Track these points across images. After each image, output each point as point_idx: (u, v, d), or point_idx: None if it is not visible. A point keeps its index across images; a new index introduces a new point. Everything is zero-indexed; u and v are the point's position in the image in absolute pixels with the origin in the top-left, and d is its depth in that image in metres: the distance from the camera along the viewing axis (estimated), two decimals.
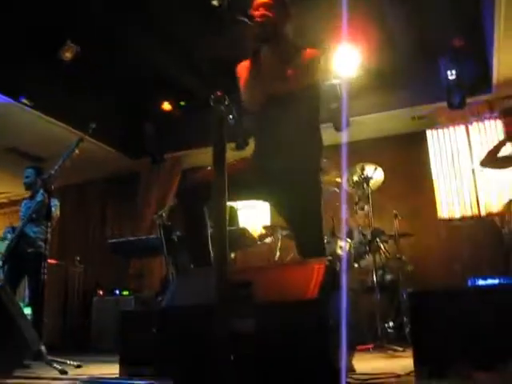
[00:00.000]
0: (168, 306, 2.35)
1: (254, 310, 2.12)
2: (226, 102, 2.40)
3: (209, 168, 2.82)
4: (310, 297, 2.03)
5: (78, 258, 8.30)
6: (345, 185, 6.02)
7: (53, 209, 5.37)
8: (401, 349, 4.66)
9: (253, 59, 2.99)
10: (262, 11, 2.96)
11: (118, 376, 2.88)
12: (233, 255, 5.93)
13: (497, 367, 2.12)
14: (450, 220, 7.18)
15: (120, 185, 9.21)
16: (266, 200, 3.49)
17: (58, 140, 7.26)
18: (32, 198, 5.77)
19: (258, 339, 2.09)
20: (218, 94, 2.37)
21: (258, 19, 2.91)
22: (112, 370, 3.11)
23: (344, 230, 5.90)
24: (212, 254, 2.88)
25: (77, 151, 4.44)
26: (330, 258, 2.40)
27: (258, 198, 3.66)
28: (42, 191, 5.42)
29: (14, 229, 5.61)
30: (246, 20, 2.88)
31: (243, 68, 3.16)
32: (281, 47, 3.06)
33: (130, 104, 8.03)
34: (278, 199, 3.18)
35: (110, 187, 9.36)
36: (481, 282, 6.03)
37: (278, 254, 6.12)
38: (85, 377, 3.03)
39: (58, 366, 3.58)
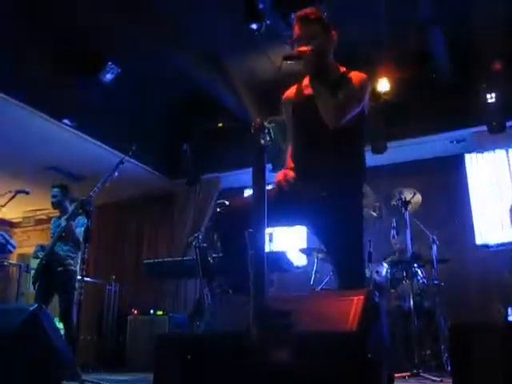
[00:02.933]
0: (205, 333, 2.34)
1: (293, 340, 2.10)
2: (266, 130, 2.41)
3: (246, 196, 2.81)
4: (350, 329, 2.00)
5: (114, 277, 8.38)
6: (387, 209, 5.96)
7: (77, 229, 5.46)
8: (438, 379, 4.57)
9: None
10: (302, 47, 2.87)
11: None
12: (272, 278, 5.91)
13: None
14: (488, 246, 7.05)
15: (157, 205, 9.30)
16: (305, 225, 3.41)
17: (99, 159, 7.40)
18: (61, 216, 5.84)
19: (295, 370, 2.07)
20: (258, 121, 2.38)
21: (304, 54, 2.83)
22: None
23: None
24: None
25: (116, 173, 4.50)
26: (369, 288, 2.37)
27: (297, 224, 3.61)
28: (70, 211, 5.52)
29: (43, 247, 5.69)
30: (293, 61, 2.85)
31: (291, 94, 3.16)
32: (328, 72, 2.98)
33: (170, 124, 8.14)
34: (319, 226, 3.13)
35: (147, 207, 9.44)
36: None
37: (313, 277, 6.08)
38: None
39: None
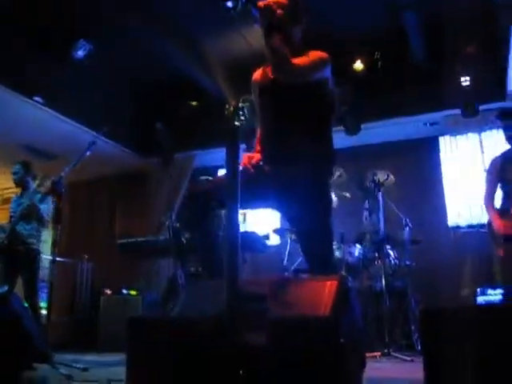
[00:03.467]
0: (178, 316, 2.34)
1: (267, 324, 2.10)
2: (241, 111, 2.39)
3: (219, 175, 2.80)
4: (322, 314, 2.01)
5: (86, 256, 8.32)
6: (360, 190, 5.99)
7: (42, 206, 5.39)
8: (409, 359, 4.65)
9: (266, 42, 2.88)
10: (268, 2, 2.84)
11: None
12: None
13: None
14: (459, 228, 7.15)
15: (130, 183, 9.22)
16: (274, 208, 3.38)
17: (71, 138, 7.29)
18: (22, 194, 5.74)
19: (268, 354, 2.07)
20: (233, 102, 2.36)
21: (261, 8, 2.78)
22: (119, 374, 3.09)
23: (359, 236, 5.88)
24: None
25: (88, 153, 4.44)
26: (342, 273, 2.38)
27: (263, 207, 3.59)
28: (32, 189, 5.44)
29: (2, 227, 5.60)
30: (254, 12, 2.79)
31: (258, 76, 3.14)
32: (288, 46, 2.90)
33: (143, 103, 8.05)
34: (288, 209, 3.12)
35: (121, 185, 9.36)
36: (490, 292, 5.99)
37: (286, 258, 6.10)
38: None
39: (63, 371, 3.56)
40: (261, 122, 3.15)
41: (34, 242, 5.52)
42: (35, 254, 5.51)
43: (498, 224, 4.62)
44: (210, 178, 3.67)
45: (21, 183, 5.75)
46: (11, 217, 5.68)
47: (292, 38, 3.01)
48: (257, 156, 3.05)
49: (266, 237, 6.12)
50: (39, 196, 5.47)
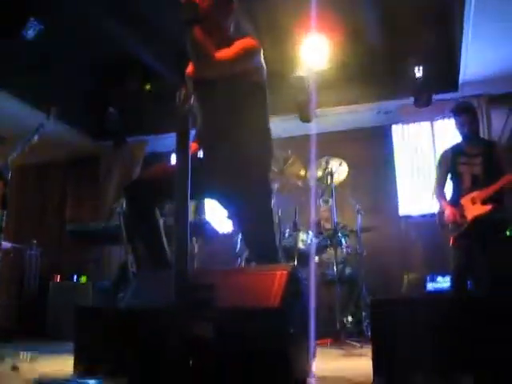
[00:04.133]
0: (125, 308, 2.29)
1: (215, 315, 2.08)
2: (192, 99, 2.35)
3: (161, 164, 2.75)
4: (272, 305, 2.00)
5: (35, 241, 8.13)
6: (313, 178, 5.99)
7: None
8: (359, 345, 4.72)
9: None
10: None
11: (72, 373, 2.80)
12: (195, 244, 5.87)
13: (455, 377, 2.14)
14: (411, 217, 7.26)
15: (81, 167, 9.04)
16: (214, 199, 3.31)
17: (20, 119, 7.10)
18: None
19: (217, 344, 2.05)
20: (184, 90, 2.31)
21: (183, 3, 2.72)
22: (67, 364, 3.03)
23: (313, 223, 5.89)
24: (169, 252, 2.80)
25: (36, 137, 4.31)
26: (292, 264, 2.37)
27: (206, 197, 3.54)
28: None
29: None
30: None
31: (190, 69, 3.05)
32: (215, 36, 2.89)
33: (95, 85, 7.88)
34: (225, 199, 3.09)
35: (71, 169, 9.17)
36: (439, 279, 6.14)
37: (238, 245, 6.07)
38: (37, 377, 2.94)
39: (9, 360, 3.48)
40: (197, 111, 3.07)
41: None
42: None
43: (448, 212, 4.76)
44: None
45: None
46: None
47: (221, 27, 2.99)
48: (193, 145, 2.99)
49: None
50: None
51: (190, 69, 3.08)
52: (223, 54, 2.79)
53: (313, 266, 5.60)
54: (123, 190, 3.01)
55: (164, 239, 2.86)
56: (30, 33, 6.33)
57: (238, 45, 2.86)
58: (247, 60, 2.88)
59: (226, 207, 3.17)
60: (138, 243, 5.27)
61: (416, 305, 2.36)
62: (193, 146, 2.97)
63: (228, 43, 2.89)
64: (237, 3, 3.05)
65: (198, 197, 3.43)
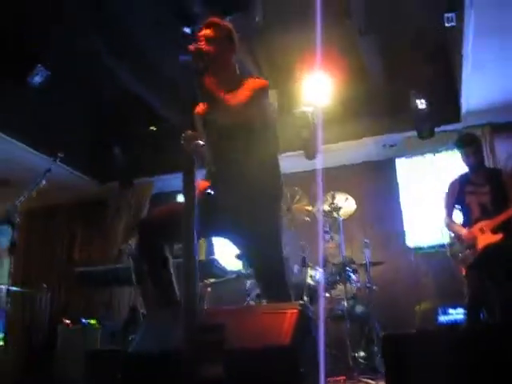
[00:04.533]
0: (134, 352, 2.27)
1: (225, 356, 2.06)
2: (196, 141, 2.37)
3: (170, 204, 2.77)
4: (282, 344, 1.98)
5: (45, 285, 8.11)
6: (320, 213, 5.99)
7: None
8: (373, 382, 4.65)
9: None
10: (198, 45, 2.85)
11: None
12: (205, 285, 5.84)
13: None
14: (420, 248, 7.23)
15: (89, 210, 9.05)
16: (227, 238, 3.31)
17: (26, 164, 7.15)
18: None
19: None
20: (189, 133, 2.34)
21: (192, 52, 2.77)
22: None
23: (321, 259, 5.86)
24: (178, 292, 2.80)
25: (44, 181, 4.35)
26: (302, 302, 2.36)
27: (220, 236, 3.54)
28: None
29: None
30: (188, 58, 2.78)
31: (200, 109, 3.12)
32: (225, 79, 2.95)
33: (100, 128, 7.96)
34: (237, 237, 3.10)
35: (79, 213, 9.18)
36: (451, 311, 6.07)
37: (248, 283, 6.05)
38: None
39: None
40: (208, 151, 3.10)
41: None
42: None
43: (464, 232, 4.74)
44: None
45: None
46: None
47: (226, 69, 3.05)
48: (203, 183, 3.03)
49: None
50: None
51: (199, 108, 3.13)
52: (235, 98, 2.84)
53: (322, 302, 5.57)
54: (136, 226, 3.05)
55: (174, 278, 2.86)
56: (37, 79, 6.44)
57: (248, 86, 2.92)
58: (259, 101, 2.94)
59: (237, 243, 3.18)
60: (147, 283, 5.27)
61: (429, 338, 2.34)
62: (203, 184, 3.01)
63: (237, 84, 2.95)
64: (238, 42, 3.12)
65: (209, 234, 3.48)
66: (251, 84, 2.94)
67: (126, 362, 2.28)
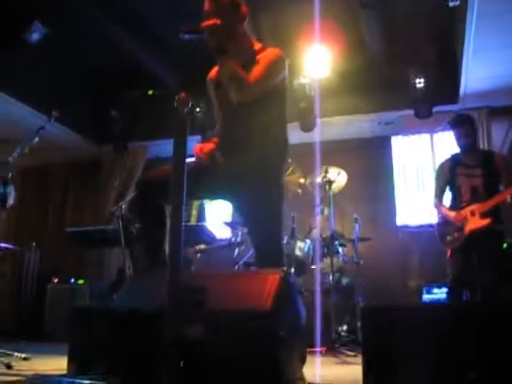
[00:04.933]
0: (119, 307, 2.31)
1: (205, 317, 2.10)
2: (190, 104, 2.37)
3: (164, 166, 2.80)
4: (263, 308, 2.02)
5: (35, 244, 8.15)
6: (316, 185, 6.02)
7: (7, 197, 5.24)
8: (352, 353, 4.73)
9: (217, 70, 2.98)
10: (209, 21, 2.84)
11: (65, 373, 2.82)
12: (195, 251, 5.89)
13: None
14: (408, 227, 7.28)
15: (82, 171, 9.06)
16: (226, 200, 3.41)
17: (22, 121, 7.13)
18: None
19: (207, 346, 2.07)
20: (183, 95, 2.34)
21: (206, 30, 2.80)
22: (60, 364, 3.05)
23: (317, 231, 5.91)
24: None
25: (37, 139, 4.35)
26: (285, 268, 2.39)
27: (218, 198, 3.61)
28: None
29: None
30: (198, 35, 2.82)
31: (213, 74, 3.16)
32: (238, 50, 2.96)
33: (97, 89, 7.92)
34: (237, 201, 3.15)
35: (72, 173, 9.19)
36: (435, 291, 6.14)
37: (236, 251, 6.10)
38: (29, 373, 2.97)
39: (3, 360, 3.50)
40: (217, 115, 3.18)
41: None
42: None
43: (453, 215, 4.75)
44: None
45: None
46: None
47: (238, 39, 3.03)
48: (208, 145, 3.06)
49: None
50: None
51: (212, 73, 3.16)
52: (255, 74, 2.85)
53: (319, 275, 5.63)
54: (136, 183, 3.09)
55: (166, 239, 2.89)
56: (35, 36, 6.38)
57: (265, 61, 2.91)
58: (278, 74, 2.96)
59: (238, 208, 3.23)
60: (136, 245, 5.32)
61: (408, 312, 2.38)
62: (206, 145, 3.07)
63: (251, 55, 2.97)
64: (246, 7, 3.06)
65: (210, 196, 3.54)
66: (267, 57, 2.93)
67: (108, 317, 2.32)
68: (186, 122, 2.29)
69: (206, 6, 2.96)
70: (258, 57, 2.95)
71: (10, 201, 5.36)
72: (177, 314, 2.07)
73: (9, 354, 3.79)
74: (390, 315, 2.32)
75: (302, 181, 6.09)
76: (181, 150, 2.26)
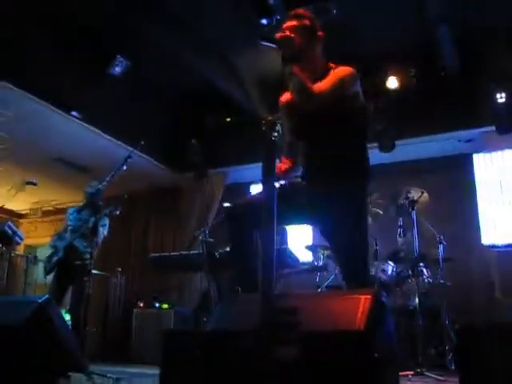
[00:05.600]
0: (214, 330, 2.35)
1: (299, 339, 2.11)
2: (277, 127, 2.41)
3: (257, 193, 2.84)
4: (357, 328, 2.01)
5: (120, 270, 8.40)
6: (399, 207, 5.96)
7: (101, 228, 5.50)
8: (442, 378, 4.59)
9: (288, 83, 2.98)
10: (284, 33, 2.92)
11: None
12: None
13: None
14: (495, 246, 7.04)
15: (164, 198, 9.30)
16: (311, 224, 3.43)
17: (105, 152, 7.42)
18: (82, 210, 5.83)
19: (302, 368, 2.08)
20: (269, 119, 2.38)
21: (280, 40, 2.85)
22: None
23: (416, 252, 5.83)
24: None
25: (125, 167, 4.52)
26: (376, 288, 2.37)
27: (304, 223, 3.62)
28: (98, 210, 5.54)
29: (60, 237, 5.71)
30: (271, 44, 2.86)
31: (285, 98, 3.20)
32: (310, 68, 3.00)
33: (177, 118, 8.14)
34: (323, 224, 3.15)
35: (154, 200, 9.44)
36: None
37: (318, 274, 6.08)
38: None
39: (97, 380, 3.61)
40: (295, 138, 3.20)
41: (89, 257, 5.66)
42: (88, 270, 5.64)
43: None
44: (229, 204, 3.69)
45: (91, 200, 5.81)
46: (69, 229, 5.74)
47: (313, 58, 3.08)
48: (284, 165, 3.13)
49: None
50: (104, 219, 5.59)
51: (284, 97, 3.21)
52: (320, 86, 2.90)
53: None
54: (224, 210, 3.15)
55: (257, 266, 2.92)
56: (118, 69, 6.66)
57: (335, 74, 2.97)
58: (344, 88, 2.97)
59: (323, 232, 3.21)
60: (220, 269, 5.38)
61: (503, 332, 2.31)
62: (282, 165, 3.13)
63: (324, 73, 3.00)
64: (322, 32, 3.13)
65: (293, 222, 3.48)
66: (338, 72, 2.98)
67: (205, 339, 2.36)
68: (275, 146, 2.33)
69: (287, 23, 3.06)
70: (329, 73, 3.00)
71: (105, 232, 5.62)
72: (271, 336, 2.09)
73: (102, 375, 3.91)
74: (488, 335, 2.27)
75: (380, 201, 6.02)
76: (270, 174, 2.29)
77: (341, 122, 2.98)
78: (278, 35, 2.87)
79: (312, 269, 6.15)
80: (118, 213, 5.27)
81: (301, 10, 3.15)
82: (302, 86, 2.86)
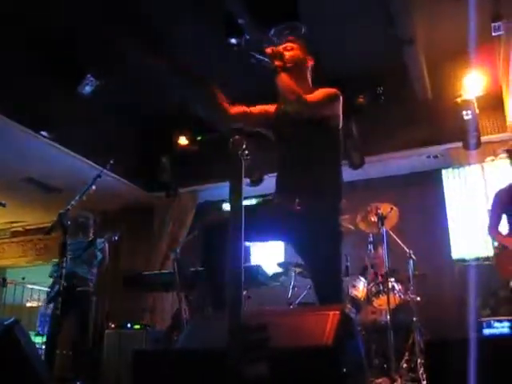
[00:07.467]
0: (182, 348, 2.35)
1: (268, 355, 2.11)
2: (245, 146, 2.43)
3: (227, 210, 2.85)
4: (325, 344, 2.02)
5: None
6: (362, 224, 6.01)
7: (98, 252, 5.52)
8: None
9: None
10: (277, 48, 3.12)
11: None
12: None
13: None
14: (464, 260, 7.12)
15: (135, 217, 9.23)
16: (284, 241, 3.46)
17: (76, 172, 7.36)
18: (75, 238, 5.87)
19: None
20: (237, 138, 2.40)
21: (271, 53, 3.04)
22: None
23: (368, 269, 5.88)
24: None
25: (94, 187, 4.51)
26: (346, 304, 2.39)
27: (273, 239, 3.64)
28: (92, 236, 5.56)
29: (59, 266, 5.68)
30: (262, 57, 3.02)
31: (272, 109, 3.31)
32: (299, 83, 3.09)
33: (147, 137, 8.14)
34: (298, 242, 3.17)
35: (125, 219, 9.36)
36: (496, 325, 5.96)
37: (290, 291, 6.09)
38: None
39: None
40: (276, 153, 3.28)
41: (91, 284, 5.64)
42: (91, 297, 5.61)
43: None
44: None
45: (85, 228, 5.86)
46: (69, 256, 5.71)
47: (302, 76, 3.23)
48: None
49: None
50: (101, 244, 5.61)
51: (270, 109, 3.32)
52: (311, 97, 3.05)
53: None
54: (197, 223, 3.19)
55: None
56: (87, 89, 6.64)
57: (322, 91, 3.12)
58: (333, 104, 3.11)
59: (297, 247, 3.23)
60: (193, 288, 5.36)
61: (473, 346, 2.34)
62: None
63: (311, 91, 3.14)
64: (312, 60, 3.33)
65: (267, 238, 3.51)
66: (324, 90, 3.12)
67: (174, 358, 2.35)
68: (241, 165, 2.34)
69: (285, 44, 3.25)
70: (317, 90, 3.15)
71: (106, 256, 5.74)
72: (240, 353, 2.09)
73: None
74: (456, 349, 2.29)
75: (347, 217, 6.07)
76: (237, 192, 2.30)
77: (322, 139, 3.07)
78: (269, 49, 3.04)
79: (283, 286, 6.14)
80: (116, 238, 5.34)
81: (293, 37, 3.34)
82: (290, 90, 3.00)
